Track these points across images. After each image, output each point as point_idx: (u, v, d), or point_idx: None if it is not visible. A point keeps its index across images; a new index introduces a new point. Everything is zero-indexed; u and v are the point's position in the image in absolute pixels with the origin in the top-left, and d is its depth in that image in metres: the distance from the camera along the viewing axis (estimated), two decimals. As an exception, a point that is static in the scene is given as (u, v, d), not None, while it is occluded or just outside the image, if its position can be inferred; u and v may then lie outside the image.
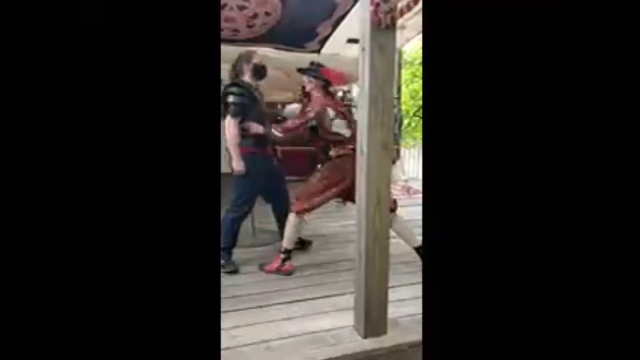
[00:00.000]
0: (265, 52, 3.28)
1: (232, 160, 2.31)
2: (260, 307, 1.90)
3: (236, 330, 1.68)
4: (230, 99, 2.28)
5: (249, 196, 2.36)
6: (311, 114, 2.28)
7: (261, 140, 2.37)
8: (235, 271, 2.32)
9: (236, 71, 2.38)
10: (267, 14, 2.72)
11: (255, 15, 2.72)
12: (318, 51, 3.29)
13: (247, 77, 2.38)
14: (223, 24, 2.77)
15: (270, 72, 3.99)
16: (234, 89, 2.30)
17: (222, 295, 2.01)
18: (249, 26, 2.83)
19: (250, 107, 2.31)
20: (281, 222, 2.50)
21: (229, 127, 2.28)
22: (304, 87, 2.46)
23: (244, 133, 2.33)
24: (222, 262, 2.31)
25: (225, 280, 2.19)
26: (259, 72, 2.40)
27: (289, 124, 2.34)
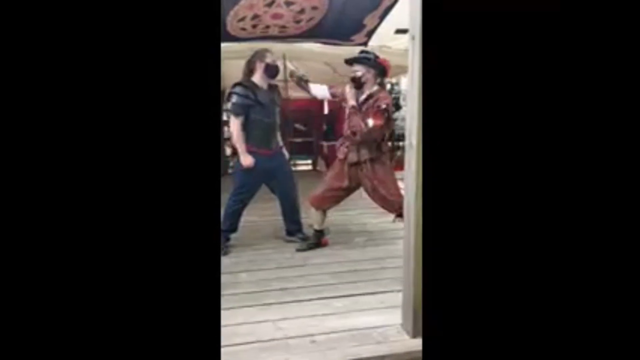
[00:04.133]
0: (311, 47, 3.27)
1: (240, 155, 2.46)
2: (307, 300, 1.91)
3: (282, 322, 1.70)
4: (233, 99, 2.42)
5: (246, 188, 2.53)
6: (383, 107, 2.31)
7: (260, 140, 2.49)
8: (224, 253, 2.45)
9: (249, 69, 2.47)
10: (313, 8, 2.70)
11: (302, 11, 2.72)
12: (365, 44, 3.23)
13: (257, 76, 2.45)
14: (271, 21, 2.80)
15: (316, 67, 3.96)
16: (237, 89, 2.43)
17: (269, 288, 2.05)
18: (296, 22, 2.84)
19: (253, 107, 2.42)
20: (286, 216, 2.66)
21: (233, 126, 2.47)
22: (355, 78, 2.39)
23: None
24: None
25: (271, 274, 2.23)
26: (271, 71, 2.46)
27: (372, 123, 2.31)
